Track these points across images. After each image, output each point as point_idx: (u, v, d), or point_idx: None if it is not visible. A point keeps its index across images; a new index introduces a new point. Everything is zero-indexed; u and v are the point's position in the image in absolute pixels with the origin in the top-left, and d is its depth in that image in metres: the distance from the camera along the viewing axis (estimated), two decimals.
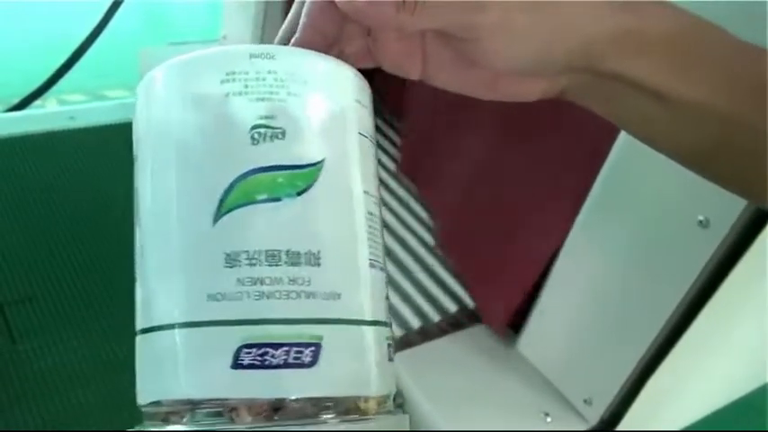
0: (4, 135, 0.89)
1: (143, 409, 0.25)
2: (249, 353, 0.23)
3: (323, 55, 0.28)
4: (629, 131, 0.33)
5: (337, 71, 0.28)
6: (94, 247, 0.75)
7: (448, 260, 0.85)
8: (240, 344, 0.23)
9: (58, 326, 0.68)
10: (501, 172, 0.79)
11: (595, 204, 0.63)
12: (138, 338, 0.25)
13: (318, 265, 0.24)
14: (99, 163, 0.89)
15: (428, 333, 0.74)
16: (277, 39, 0.31)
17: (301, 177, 0.25)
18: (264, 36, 1.03)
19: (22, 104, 1.14)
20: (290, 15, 0.31)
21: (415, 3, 0.27)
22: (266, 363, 0.23)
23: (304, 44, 0.29)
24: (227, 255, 0.24)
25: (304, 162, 0.25)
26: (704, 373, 0.66)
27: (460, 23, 0.28)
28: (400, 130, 1.07)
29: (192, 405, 0.23)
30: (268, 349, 0.23)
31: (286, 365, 0.23)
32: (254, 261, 0.24)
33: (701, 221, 0.54)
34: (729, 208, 0.52)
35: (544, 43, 0.28)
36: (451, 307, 0.80)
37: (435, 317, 0.77)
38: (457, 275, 0.83)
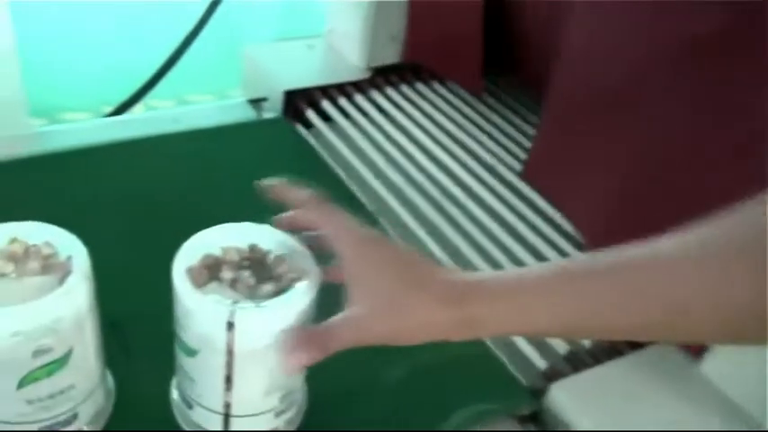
0: (106, 141, 0.87)
1: None
2: None
3: None
4: None
5: None
6: None
7: None
8: None
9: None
10: (659, 188, 0.68)
11: None
12: None
13: None
14: (204, 167, 0.86)
15: (578, 361, 0.66)
16: None
17: None
18: (378, 29, 0.95)
19: (119, 111, 1.13)
20: None
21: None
22: None
23: None
24: None
25: None
26: None
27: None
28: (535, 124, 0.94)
29: None
30: None
31: None
32: None
33: None
34: None
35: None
36: None
37: (586, 342, 0.68)
38: None
